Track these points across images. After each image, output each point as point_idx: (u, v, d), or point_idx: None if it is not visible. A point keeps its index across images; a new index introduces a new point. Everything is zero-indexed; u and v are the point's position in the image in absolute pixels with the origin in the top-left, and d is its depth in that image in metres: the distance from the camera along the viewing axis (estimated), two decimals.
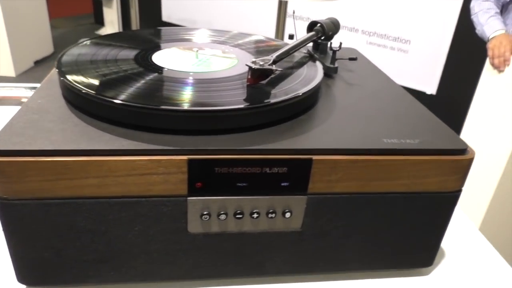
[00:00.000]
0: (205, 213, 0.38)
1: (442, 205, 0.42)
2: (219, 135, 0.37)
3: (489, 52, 1.26)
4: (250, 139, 0.37)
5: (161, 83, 0.42)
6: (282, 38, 2.00)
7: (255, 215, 0.39)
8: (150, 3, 3.38)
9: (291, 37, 0.61)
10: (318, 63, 0.50)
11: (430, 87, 2.40)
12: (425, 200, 0.41)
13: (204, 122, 0.37)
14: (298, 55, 0.53)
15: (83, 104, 0.39)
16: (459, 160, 0.39)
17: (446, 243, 0.52)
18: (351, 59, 0.55)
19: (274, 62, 0.45)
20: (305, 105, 0.43)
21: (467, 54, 1.96)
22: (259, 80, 0.43)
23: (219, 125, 0.38)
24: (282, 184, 0.38)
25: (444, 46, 2.25)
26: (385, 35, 2.41)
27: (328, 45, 0.55)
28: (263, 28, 2.72)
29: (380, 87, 0.52)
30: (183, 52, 0.50)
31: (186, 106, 0.37)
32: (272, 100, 0.39)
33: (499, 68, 1.23)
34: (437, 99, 2.36)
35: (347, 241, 0.42)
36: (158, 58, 0.48)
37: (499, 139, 1.16)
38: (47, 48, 3.11)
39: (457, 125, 1.35)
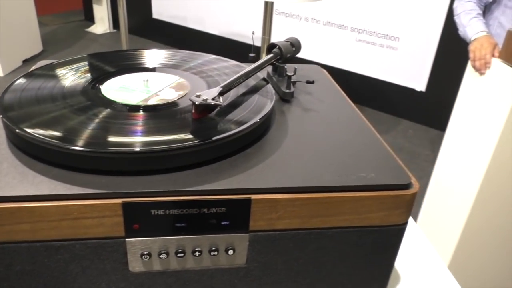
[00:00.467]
0: (145, 253, 0.38)
1: (388, 238, 0.42)
2: (156, 175, 0.37)
3: (471, 55, 1.26)
4: (188, 179, 0.37)
5: (99, 121, 0.41)
6: (269, 36, 1.98)
7: (197, 254, 0.39)
8: (140, 1, 3.35)
9: (252, 58, 0.60)
10: (270, 89, 0.49)
11: (420, 84, 2.39)
12: (369, 234, 0.41)
13: (137, 163, 0.37)
14: (254, 79, 0.53)
15: (20, 144, 0.39)
16: (402, 196, 0.39)
17: (408, 274, 0.52)
18: (308, 82, 0.54)
19: (221, 93, 0.44)
20: (249, 139, 0.42)
21: (455, 51, 1.95)
22: (204, 114, 0.42)
23: (154, 165, 0.37)
24: (223, 223, 0.38)
25: (433, 43, 2.24)
26: (374, 32, 2.40)
27: (284, 69, 0.55)
28: (253, 25, 2.70)
29: (335, 113, 0.51)
30: (134, 80, 0.49)
31: (117, 148, 0.37)
32: (213, 137, 0.39)
33: (480, 70, 1.22)
34: (426, 96, 2.36)
35: (294, 276, 0.42)
36: (108, 88, 0.47)
37: (481, 142, 1.16)
38: (36, 46, 3.09)
39: (445, 123, 1.35)
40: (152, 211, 0.36)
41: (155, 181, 0.36)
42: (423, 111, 2.41)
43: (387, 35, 2.36)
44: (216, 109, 0.43)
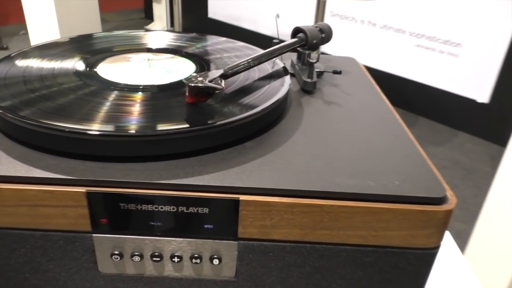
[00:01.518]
0: (115, 252, 0.33)
1: (411, 265, 0.33)
2: (133, 163, 0.32)
3: None
4: (167, 170, 0.31)
5: (73, 96, 0.36)
6: None
7: (175, 259, 0.33)
8: (197, 0, 3.39)
9: (276, 44, 0.53)
10: (287, 78, 0.43)
11: (482, 95, 2.20)
12: (387, 257, 0.33)
13: (107, 148, 0.31)
14: (272, 66, 0.46)
15: None
16: (431, 212, 0.31)
17: None
18: (335, 72, 0.47)
19: (225, 76, 0.38)
20: (249, 130, 0.36)
21: None
22: (200, 98, 0.36)
23: (128, 151, 0.32)
24: (205, 226, 0.32)
25: (499, 50, 2.06)
26: (434, 37, 2.25)
27: (305, 56, 0.48)
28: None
29: (363, 109, 0.43)
30: (137, 61, 0.45)
31: (84, 127, 0.31)
32: (200, 125, 0.33)
33: None
34: (488, 108, 2.17)
35: None
36: (104, 69, 0.42)
37: None
38: None
39: (507, 138, 1.21)
40: (121, 204, 0.30)
41: (128, 169, 0.31)
42: (484, 124, 2.21)
43: (448, 41, 2.19)
44: (214, 94, 0.37)
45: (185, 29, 3.42)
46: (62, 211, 0.31)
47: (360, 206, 0.31)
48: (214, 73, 0.37)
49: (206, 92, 0.36)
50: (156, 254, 0.33)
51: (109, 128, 0.31)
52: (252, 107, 0.36)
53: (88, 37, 0.51)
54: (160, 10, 3.89)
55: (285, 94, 0.39)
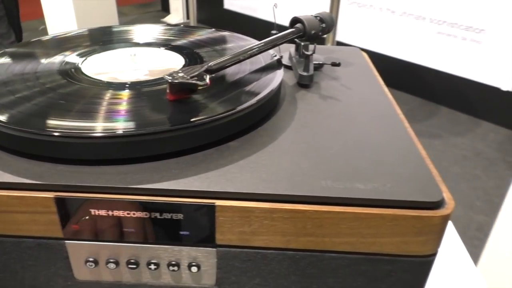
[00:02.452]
0: (90, 259, 0.31)
1: (406, 274, 0.31)
2: (104, 166, 0.30)
3: None
4: (140, 173, 0.29)
5: (43, 97, 0.34)
6: (335, 25, 1.86)
7: (152, 267, 0.31)
8: None
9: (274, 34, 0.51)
10: (278, 72, 0.40)
11: (506, 83, 2.12)
12: (380, 265, 0.30)
13: (76, 150, 0.30)
14: (266, 57, 0.44)
15: None
16: (426, 217, 0.28)
17: None
18: (334, 64, 0.44)
19: (210, 71, 0.36)
20: (231, 130, 0.34)
21: None
22: (182, 95, 0.34)
23: (100, 154, 0.30)
24: (181, 233, 0.30)
25: None
26: (456, 24, 2.16)
27: (300, 48, 0.45)
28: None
29: (362, 104, 0.41)
30: (124, 56, 0.43)
31: (51, 129, 0.30)
32: (176, 125, 0.31)
33: None
34: None
35: None
36: (88, 65, 0.41)
37: None
38: None
39: None
40: (92, 210, 0.29)
41: (101, 173, 0.29)
42: (508, 113, 2.13)
43: (471, 27, 2.11)
44: (200, 90, 0.35)
45: (200, 21, 3.40)
46: (32, 217, 0.29)
47: (346, 211, 0.28)
48: (198, 68, 0.35)
49: (188, 89, 0.34)
50: (132, 261, 0.31)
51: (78, 129, 0.30)
52: (238, 103, 0.34)
53: (75, 33, 0.50)
54: (176, 3, 3.88)
55: (274, 89, 0.37)
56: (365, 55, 0.54)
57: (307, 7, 2.69)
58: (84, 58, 0.42)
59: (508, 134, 2.10)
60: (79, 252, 0.31)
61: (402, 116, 0.39)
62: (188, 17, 3.92)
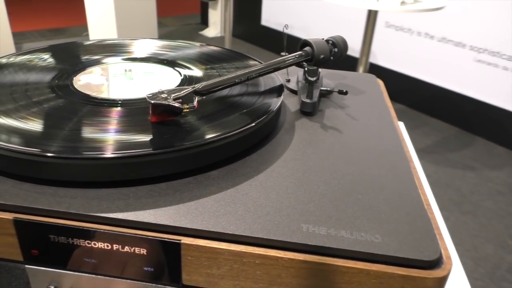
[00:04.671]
0: (51, 287, 0.29)
1: None
2: (72, 188, 0.28)
3: None
4: (107, 200, 0.27)
5: (38, 113, 0.33)
6: (369, 48, 1.83)
7: None
8: (252, 7, 3.39)
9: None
10: (275, 99, 0.37)
11: None
12: None
13: (38, 168, 0.28)
14: (270, 80, 0.41)
15: None
16: (416, 278, 0.25)
17: None
18: (340, 92, 0.41)
19: (200, 94, 0.34)
20: (211, 158, 0.31)
21: None
22: (164, 117, 0.32)
23: (62, 175, 0.28)
24: (145, 268, 0.27)
25: None
26: (498, 52, 2.08)
27: (305, 73, 0.42)
28: (355, 35, 2.54)
29: (366, 136, 0.37)
30: (117, 72, 0.41)
31: (19, 145, 0.28)
32: (148, 149, 0.28)
33: None
34: None
35: None
36: (80, 80, 0.39)
37: None
38: None
39: None
40: (51, 236, 0.27)
41: (66, 196, 0.27)
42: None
43: None
44: (188, 111, 0.33)
45: (236, 35, 3.44)
46: None
47: (326, 262, 0.25)
48: (185, 89, 0.33)
49: (172, 111, 0.32)
50: None
51: (43, 148, 0.28)
52: (223, 131, 0.31)
53: (70, 45, 0.49)
54: (215, 16, 3.95)
55: (266, 117, 0.34)
56: (380, 83, 0.50)
57: (340, 30, 2.66)
58: (78, 71, 0.40)
59: None
60: (40, 278, 0.29)
61: (408, 155, 0.35)
62: (224, 32, 3.99)
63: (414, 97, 2.33)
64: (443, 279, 0.25)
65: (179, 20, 4.23)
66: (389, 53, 2.47)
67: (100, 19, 2.86)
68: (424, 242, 0.26)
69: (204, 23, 4.06)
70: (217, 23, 3.91)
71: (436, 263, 0.25)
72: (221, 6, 3.84)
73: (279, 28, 3.23)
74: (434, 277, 0.25)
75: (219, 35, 3.88)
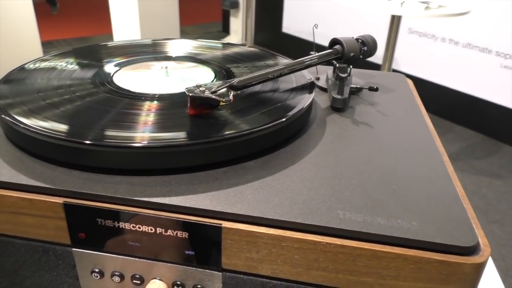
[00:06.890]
0: (96, 270, 0.30)
1: None
2: (117, 176, 0.29)
3: None
4: (151, 186, 0.29)
5: (71, 105, 0.35)
6: (392, 54, 1.82)
7: None
8: (273, 14, 3.42)
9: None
10: (308, 94, 0.38)
11: None
12: None
13: (88, 157, 0.29)
14: (302, 78, 0.42)
15: None
16: (454, 264, 0.25)
17: None
18: (371, 89, 0.42)
19: (235, 88, 0.35)
20: (248, 150, 0.32)
21: None
22: (202, 110, 0.33)
23: (110, 163, 0.30)
24: (186, 252, 0.28)
25: None
26: None
27: (336, 70, 0.43)
28: (379, 43, 2.52)
29: (397, 131, 0.38)
30: (156, 69, 0.43)
31: (68, 136, 0.30)
32: (191, 140, 0.30)
33: None
34: None
35: None
36: (121, 77, 0.41)
37: None
38: None
39: None
40: (98, 219, 0.28)
41: (112, 183, 0.29)
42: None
43: None
44: (224, 105, 0.34)
45: (257, 43, 3.46)
46: (41, 221, 0.29)
47: (363, 247, 0.26)
48: (222, 84, 0.34)
49: (209, 104, 0.33)
50: (137, 276, 0.30)
51: (91, 137, 0.29)
52: (259, 123, 0.32)
53: (108, 45, 0.51)
54: (236, 24, 3.99)
55: (297, 113, 0.35)
56: (409, 81, 0.51)
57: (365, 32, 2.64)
58: (117, 69, 0.42)
59: None
60: (86, 261, 0.30)
61: (442, 149, 0.36)
62: (246, 39, 4.02)
63: (439, 104, 2.30)
64: (481, 266, 0.25)
65: (201, 28, 4.29)
66: (412, 59, 2.45)
67: (125, 27, 2.93)
68: (461, 229, 0.26)
69: (226, 31, 4.10)
70: (238, 31, 3.95)
71: (473, 249, 0.25)
72: (242, 14, 3.88)
73: (300, 35, 3.24)
74: (472, 263, 0.25)
75: (240, 42, 3.93)
